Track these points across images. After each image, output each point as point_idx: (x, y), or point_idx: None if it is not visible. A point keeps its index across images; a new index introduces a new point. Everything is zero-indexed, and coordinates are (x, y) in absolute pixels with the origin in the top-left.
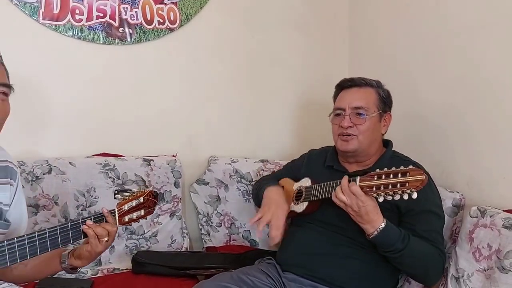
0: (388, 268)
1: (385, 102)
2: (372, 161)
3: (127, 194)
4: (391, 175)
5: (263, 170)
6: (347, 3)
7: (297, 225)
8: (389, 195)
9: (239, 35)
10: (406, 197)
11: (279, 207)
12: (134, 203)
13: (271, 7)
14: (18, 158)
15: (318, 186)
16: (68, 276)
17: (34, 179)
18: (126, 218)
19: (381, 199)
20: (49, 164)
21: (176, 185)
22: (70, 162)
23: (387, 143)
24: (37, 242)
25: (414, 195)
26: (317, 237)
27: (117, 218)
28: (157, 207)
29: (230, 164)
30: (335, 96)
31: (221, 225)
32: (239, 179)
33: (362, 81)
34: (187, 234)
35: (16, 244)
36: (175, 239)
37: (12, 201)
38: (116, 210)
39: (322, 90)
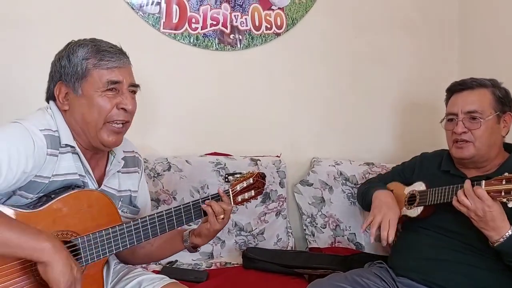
0: (509, 277)
1: (502, 102)
2: (493, 166)
3: (238, 176)
4: None
5: (369, 173)
6: (456, 2)
7: (410, 230)
8: None
9: (343, 37)
10: None
11: (391, 209)
12: (245, 183)
13: (376, 7)
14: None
15: (435, 191)
16: (185, 267)
17: (155, 175)
18: (239, 198)
19: (510, 205)
20: (168, 162)
21: (281, 184)
22: (186, 160)
23: (510, 147)
24: (165, 220)
25: None
26: (434, 242)
27: (231, 197)
28: (265, 187)
29: (334, 166)
30: (447, 101)
31: (325, 227)
32: (343, 181)
33: (474, 82)
34: (291, 233)
35: (148, 222)
36: (281, 238)
37: (138, 187)
38: (230, 190)
39: (428, 92)
